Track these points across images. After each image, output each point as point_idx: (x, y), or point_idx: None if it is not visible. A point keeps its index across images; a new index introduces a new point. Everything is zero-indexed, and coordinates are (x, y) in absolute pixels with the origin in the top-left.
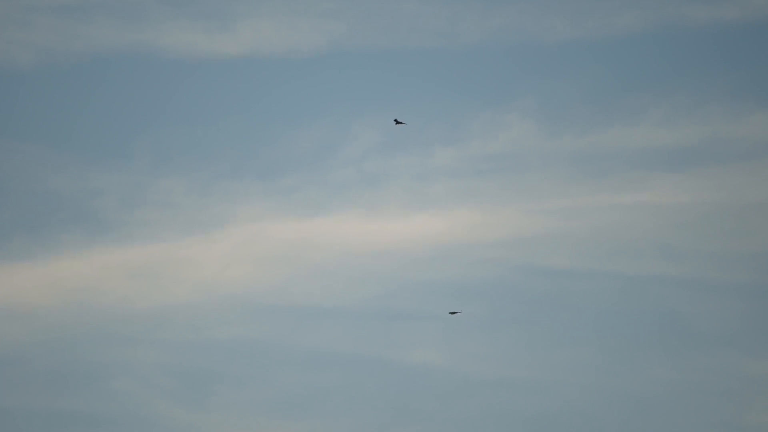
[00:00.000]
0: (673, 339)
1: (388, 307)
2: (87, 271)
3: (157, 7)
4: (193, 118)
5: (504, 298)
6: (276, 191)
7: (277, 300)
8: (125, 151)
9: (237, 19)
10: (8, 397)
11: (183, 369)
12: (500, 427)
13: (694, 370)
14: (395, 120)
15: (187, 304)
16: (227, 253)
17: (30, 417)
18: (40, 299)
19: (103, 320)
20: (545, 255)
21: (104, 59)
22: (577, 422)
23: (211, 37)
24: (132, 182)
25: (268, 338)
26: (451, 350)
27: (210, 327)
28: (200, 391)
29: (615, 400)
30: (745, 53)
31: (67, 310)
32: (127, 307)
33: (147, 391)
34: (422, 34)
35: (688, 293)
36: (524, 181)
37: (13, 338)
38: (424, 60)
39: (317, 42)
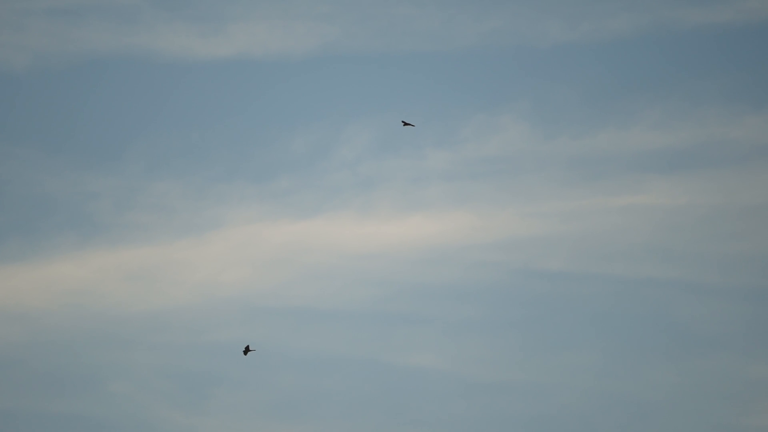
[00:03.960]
0: (670, 342)
1: (383, 309)
2: (82, 273)
3: (150, 10)
4: (188, 121)
5: (500, 301)
6: (270, 194)
7: (272, 302)
8: (120, 154)
9: (230, 22)
10: (4, 399)
11: (180, 372)
12: (497, 430)
13: (692, 373)
14: (403, 122)
15: (182, 307)
16: (222, 256)
17: (26, 420)
18: (36, 302)
19: (99, 323)
20: (541, 258)
21: (99, 62)
22: (575, 426)
23: (204, 40)
24: (127, 185)
25: (265, 341)
26: (448, 353)
27: (206, 330)
28: (197, 394)
29: (614, 403)
30: (739, 55)
31: (62, 313)
32: (123, 309)
33: (144, 394)
34: (416, 37)
35: (685, 296)
36: (519, 183)
37: (8, 340)
38: (418, 63)
39: (311, 45)
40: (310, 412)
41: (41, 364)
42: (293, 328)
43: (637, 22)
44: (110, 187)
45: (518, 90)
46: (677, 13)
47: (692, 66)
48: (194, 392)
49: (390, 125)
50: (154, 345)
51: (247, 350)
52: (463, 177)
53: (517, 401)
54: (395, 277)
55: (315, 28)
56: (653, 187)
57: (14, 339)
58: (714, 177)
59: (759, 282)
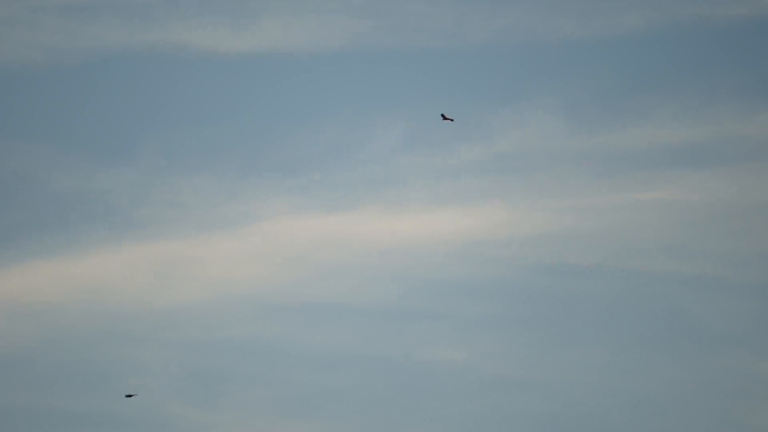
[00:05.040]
0: (685, 338)
1: (411, 305)
2: (101, 270)
3: (180, 3)
4: (215, 115)
5: (525, 296)
6: (297, 188)
7: (296, 298)
8: (141, 150)
9: (257, 16)
10: (22, 395)
11: (197, 368)
12: (518, 427)
13: (709, 369)
14: (442, 115)
15: (205, 303)
16: (247, 251)
17: (43, 416)
18: (54, 298)
19: (118, 319)
20: (569, 253)
21: (125, 57)
22: (589, 422)
23: (235, 34)
24: (154, 180)
25: (286, 337)
26: (474, 349)
27: (226, 325)
28: (213, 391)
29: (631, 400)
30: (755, 51)
31: (81, 309)
32: (142, 305)
33: (160, 391)
34: (441, 33)
35: (705, 292)
36: (540, 179)
37: (26, 336)
38: (449, 58)
39: (342, 39)
40: (328, 409)
41: (57, 360)
42: (317, 324)
43: (649, 18)
44: (138, 182)
45: (542, 86)
46: (689, 9)
47: (710, 62)
48: (210, 389)
49: (420, 120)
50: (173, 341)
51: (129, 395)
52: (492, 172)
53: (540, 398)
54: (422, 272)
55: (346, 22)
56: (680, 182)
57: (31, 335)
58: (740, 172)
59: None
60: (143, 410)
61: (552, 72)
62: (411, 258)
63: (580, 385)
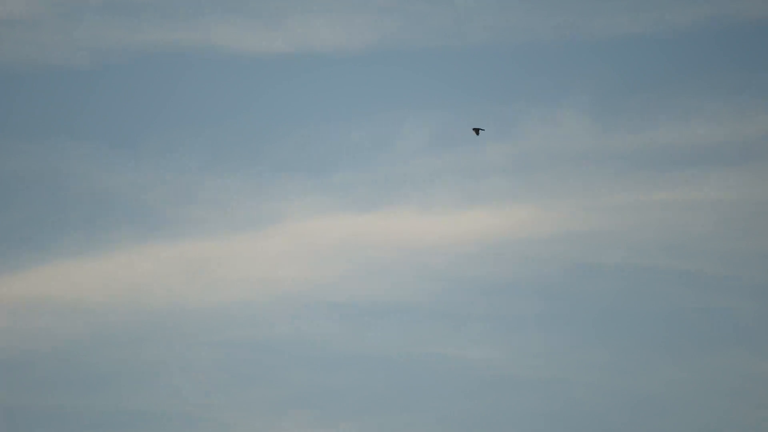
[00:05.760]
0: (685, 338)
1: (441, 304)
2: (141, 268)
3: (209, 3)
4: (246, 115)
5: (559, 296)
6: (328, 188)
7: (324, 297)
8: (179, 148)
9: (259, 17)
10: (63, 394)
11: (236, 367)
12: (518, 426)
13: (709, 369)
14: (474, 129)
15: (241, 302)
16: (278, 251)
17: (54, 415)
18: (94, 296)
19: (157, 318)
20: (599, 252)
21: (156, 57)
22: (589, 422)
23: (263, 35)
24: (185, 179)
25: (320, 336)
26: (475, 348)
27: (262, 324)
28: (254, 390)
29: (631, 400)
30: (755, 51)
31: (120, 308)
32: (180, 304)
33: (202, 389)
34: (475, 31)
35: (706, 292)
36: (540, 180)
37: (67, 335)
38: (477, 56)
39: (369, 38)
40: (363, 408)
41: (99, 359)
42: (344, 323)
43: (650, 18)
44: (169, 181)
45: (545, 86)
46: (689, 9)
47: (705, 62)
48: (251, 388)
49: (449, 119)
50: (212, 340)
51: None
52: (522, 171)
53: (539, 397)
54: (453, 271)
55: (374, 21)
56: (681, 182)
57: (72, 333)
58: (735, 172)
59: None
60: (188, 409)
61: (552, 72)
62: (447, 257)
63: (580, 385)
